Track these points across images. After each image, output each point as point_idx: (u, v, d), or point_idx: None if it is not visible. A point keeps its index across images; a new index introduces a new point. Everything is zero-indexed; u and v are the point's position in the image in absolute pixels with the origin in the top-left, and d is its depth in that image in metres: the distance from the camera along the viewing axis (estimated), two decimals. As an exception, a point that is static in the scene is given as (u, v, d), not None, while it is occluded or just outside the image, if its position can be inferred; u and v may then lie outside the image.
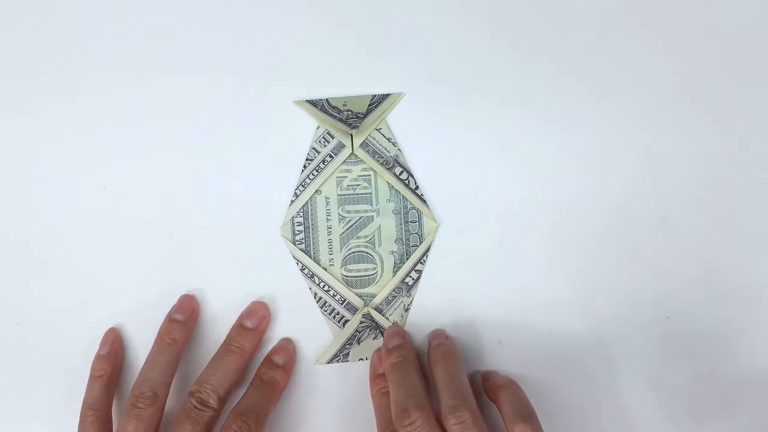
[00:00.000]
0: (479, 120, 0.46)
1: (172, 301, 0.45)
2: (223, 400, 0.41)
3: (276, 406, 0.44)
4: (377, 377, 0.44)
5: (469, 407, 0.39)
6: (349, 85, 0.46)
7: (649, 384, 0.45)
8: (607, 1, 0.46)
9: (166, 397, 0.42)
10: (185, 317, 0.44)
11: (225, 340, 0.44)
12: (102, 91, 0.46)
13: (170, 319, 0.44)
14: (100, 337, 0.45)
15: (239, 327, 0.44)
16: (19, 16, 0.46)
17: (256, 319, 0.44)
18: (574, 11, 0.46)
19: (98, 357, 0.44)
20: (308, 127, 0.46)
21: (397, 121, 0.46)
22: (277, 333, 0.45)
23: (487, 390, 0.43)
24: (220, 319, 0.45)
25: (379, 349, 0.45)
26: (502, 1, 0.46)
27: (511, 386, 0.42)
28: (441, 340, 0.44)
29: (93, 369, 0.44)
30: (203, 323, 0.45)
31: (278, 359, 0.44)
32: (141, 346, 0.45)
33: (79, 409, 0.43)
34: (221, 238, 0.45)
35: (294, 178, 0.45)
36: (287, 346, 0.45)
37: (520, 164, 0.46)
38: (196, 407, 0.40)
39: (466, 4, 0.46)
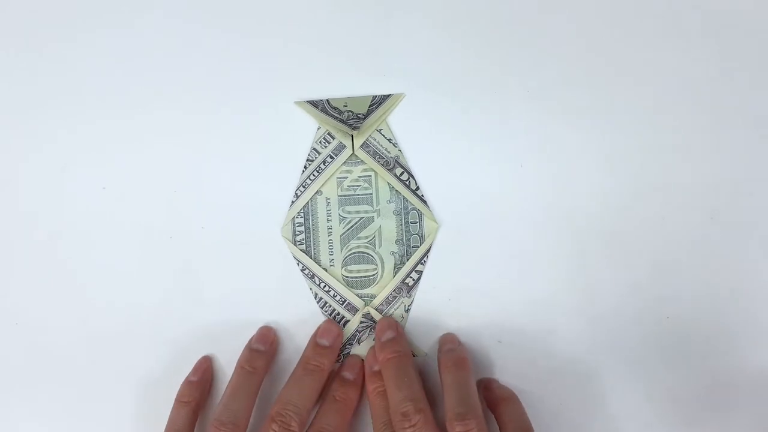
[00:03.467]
0: (479, 120, 0.46)
1: (173, 300, 0.45)
2: (304, 423, 0.41)
3: (350, 423, 0.43)
4: (373, 375, 0.43)
5: (477, 417, 0.38)
6: (350, 85, 0.46)
7: (649, 384, 0.45)
8: (608, 2, 0.46)
9: (246, 427, 0.41)
10: (266, 347, 0.44)
11: (301, 359, 0.43)
12: (102, 91, 0.46)
13: (250, 349, 0.44)
14: (99, 337, 0.45)
15: (314, 346, 0.44)
16: (20, 16, 0.46)
17: (330, 337, 0.44)
18: (575, 11, 0.46)
19: (188, 383, 0.44)
20: (309, 127, 0.46)
21: (398, 121, 0.46)
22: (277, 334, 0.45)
23: (487, 400, 0.43)
24: (220, 320, 0.45)
25: (373, 347, 0.45)
26: (503, 1, 0.46)
27: (512, 399, 0.42)
28: (453, 345, 0.44)
29: (180, 394, 0.43)
30: (206, 325, 0.45)
31: (348, 375, 0.44)
32: (140, 346, 0.45)
33: (79, 410, 0.43)
34: (221, 238, 0.45)
35: (294, 178, 0.45)
36: (357, 362, 0.45)
37: (520, 164, 0.46)
38: None
39: (466, 4, 0.46)
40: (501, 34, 0.46)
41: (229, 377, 0.43)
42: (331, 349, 0.44)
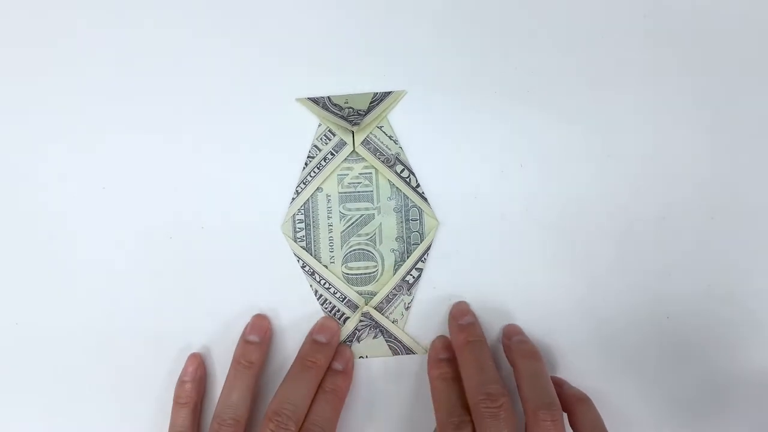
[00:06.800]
0: (479, 119, 0.46)
1: (173, 301, 0.45)
2: (300, 420, 0.40)
3: (340, 413, 0.43)
4: (440, 361, 0.43)
5: (560, 410, 0.38)
6: (351, 84, 0.46)
7: (649, 384, 0.45)
8: (608, 2, 0.46)
9: (248, 421, 0.41)
10: (260, 338, 0.44)
11: (297, 356, 0.43)
12: (102, 90, 0.46)
13: (245, 341, 0.43)
14: (99, 337, 0.45)
15: (312, 342, 0.44)
16: (18, 15, 0.46)
17: (328, 334, 0.44)
18: (574, 10, 0.46)
19: (182, 383, 0.43)
20: (310, 124, 0.46)
21: (399, 119, 0.46)
22: (277, 331, 0.45)
23: (560, 399, 0.41)
24: (221, 319, 0.45)
25: (440, 336, 0.45)
26: (503, 1, 0.46)
27: (588, 401, 0.41)
28: (523, 337, 0.44)
29: (177, 396, 0.43)
30: (207, 324, 0.45)
31: (338, 365, 0.44)
32: (140, 345, 0.45)
33: (80, 410, 0.43)
34: (221, 237, 0.45)
35: (295, 175, 0.45)
36: (345, 351, 0.44)
37: (520, 164, 0.46)
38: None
39: (466, 3, 0.46)
40: (501, 33, 0.46)
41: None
42: (329, 346, 0.44)
